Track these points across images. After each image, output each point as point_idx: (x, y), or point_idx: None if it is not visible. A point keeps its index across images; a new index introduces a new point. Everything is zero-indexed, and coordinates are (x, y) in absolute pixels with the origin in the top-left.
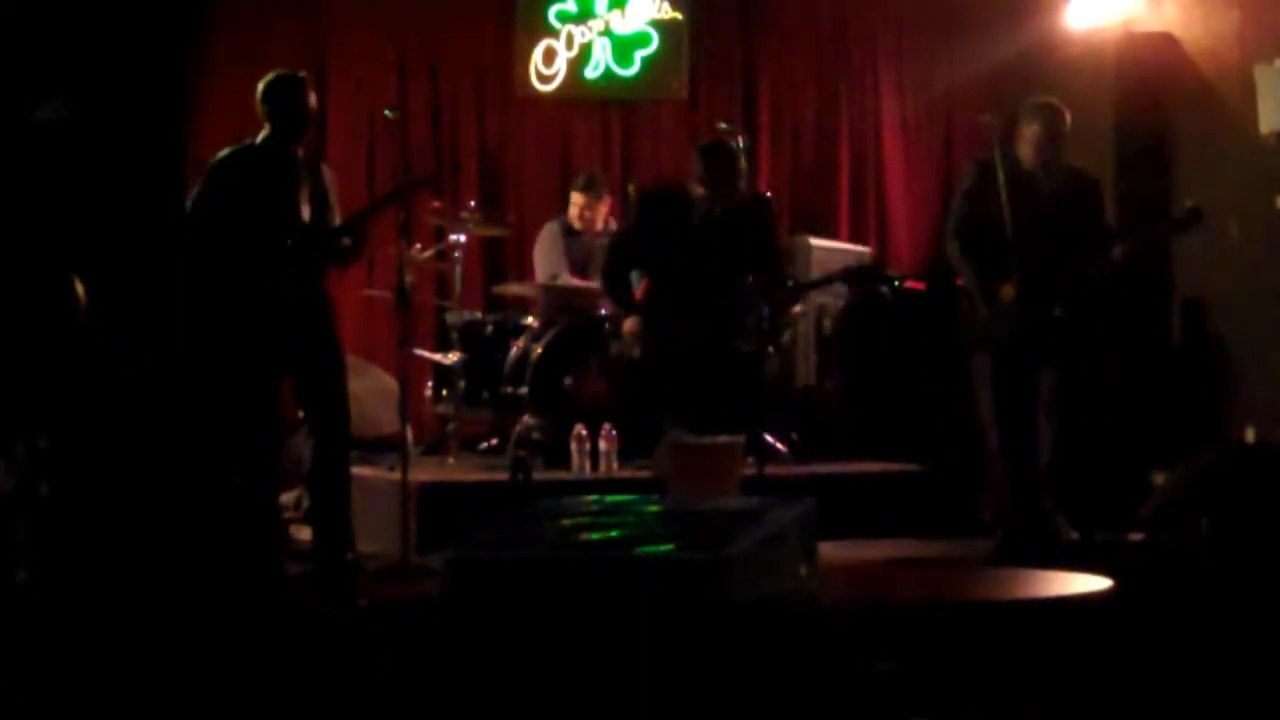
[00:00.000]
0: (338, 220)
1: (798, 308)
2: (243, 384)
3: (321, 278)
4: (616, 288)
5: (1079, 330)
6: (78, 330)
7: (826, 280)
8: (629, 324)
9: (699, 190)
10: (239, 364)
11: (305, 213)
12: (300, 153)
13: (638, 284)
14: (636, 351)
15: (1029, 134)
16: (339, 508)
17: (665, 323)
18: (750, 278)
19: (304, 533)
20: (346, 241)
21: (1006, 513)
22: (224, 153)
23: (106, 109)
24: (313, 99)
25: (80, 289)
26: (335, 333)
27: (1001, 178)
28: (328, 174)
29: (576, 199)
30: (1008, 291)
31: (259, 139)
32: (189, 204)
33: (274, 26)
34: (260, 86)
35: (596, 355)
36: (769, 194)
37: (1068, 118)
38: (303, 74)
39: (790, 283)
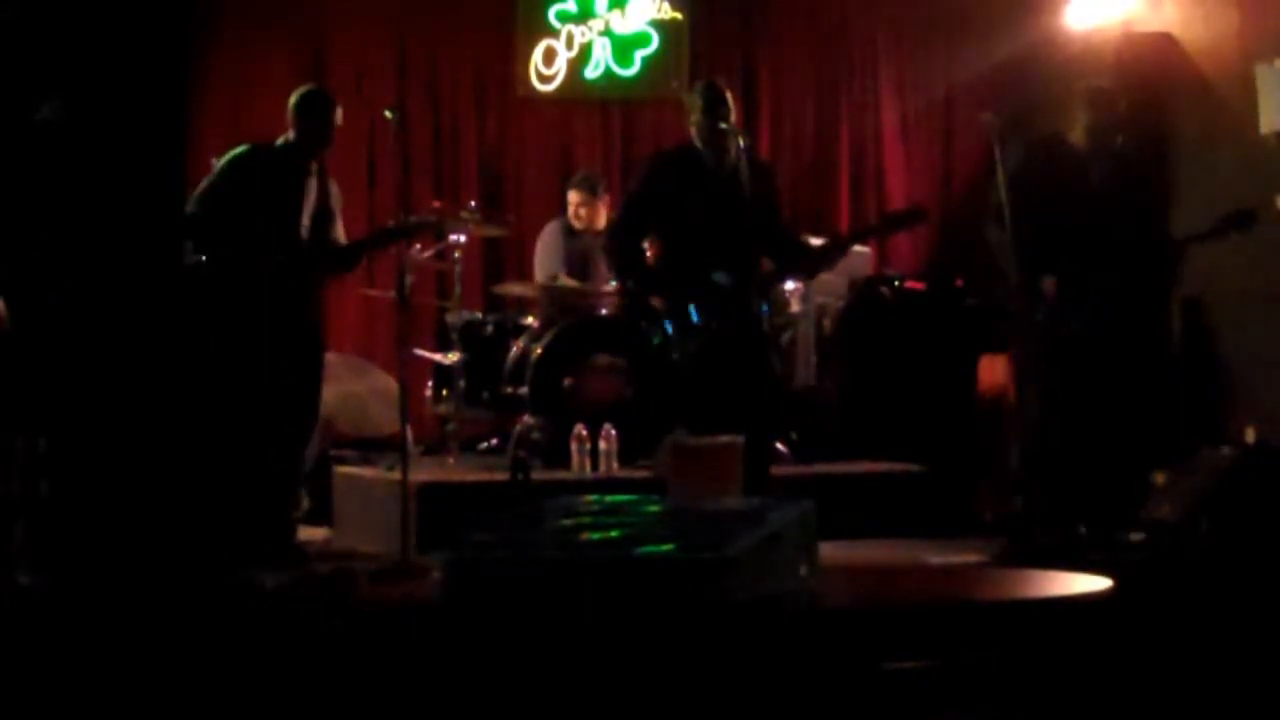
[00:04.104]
0: (340, 230)
1: (798, 308)
2: (233, 379)
3: (310, 284)
4: (626, 252)
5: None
6: None
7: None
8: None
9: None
10: (228, 361)
11: (304, 226)
12: (315, 166)
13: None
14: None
15: (1081, 121)
16: (288, 481)
17: (686, 307)
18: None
19: (304, 533)
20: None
21: (1029, 513)
22: (240, 150)
23: (107, 109)
24: (339, 115)
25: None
26: (319, 322)
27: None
28: (334, 187)
29: (573, 197)
30: (1050, 286)
31: (279, 142)
32: (196, 194)
33: (274, 26)
34: (295, 96)
35: (600, 354)
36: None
37: (1121, 102)
38: (332, 92)
39: (823, 243)
